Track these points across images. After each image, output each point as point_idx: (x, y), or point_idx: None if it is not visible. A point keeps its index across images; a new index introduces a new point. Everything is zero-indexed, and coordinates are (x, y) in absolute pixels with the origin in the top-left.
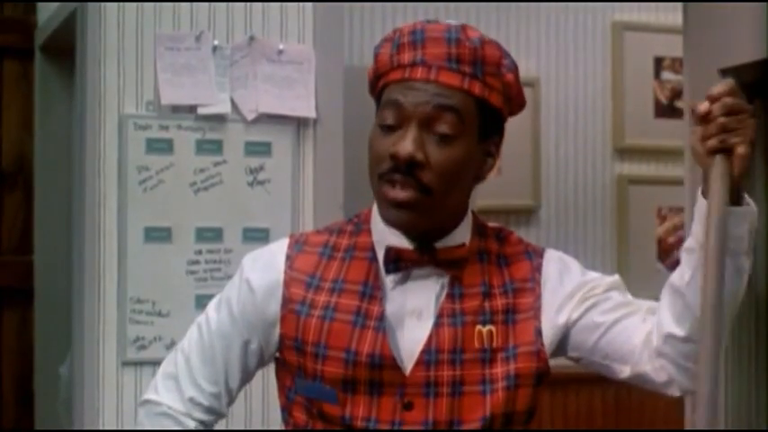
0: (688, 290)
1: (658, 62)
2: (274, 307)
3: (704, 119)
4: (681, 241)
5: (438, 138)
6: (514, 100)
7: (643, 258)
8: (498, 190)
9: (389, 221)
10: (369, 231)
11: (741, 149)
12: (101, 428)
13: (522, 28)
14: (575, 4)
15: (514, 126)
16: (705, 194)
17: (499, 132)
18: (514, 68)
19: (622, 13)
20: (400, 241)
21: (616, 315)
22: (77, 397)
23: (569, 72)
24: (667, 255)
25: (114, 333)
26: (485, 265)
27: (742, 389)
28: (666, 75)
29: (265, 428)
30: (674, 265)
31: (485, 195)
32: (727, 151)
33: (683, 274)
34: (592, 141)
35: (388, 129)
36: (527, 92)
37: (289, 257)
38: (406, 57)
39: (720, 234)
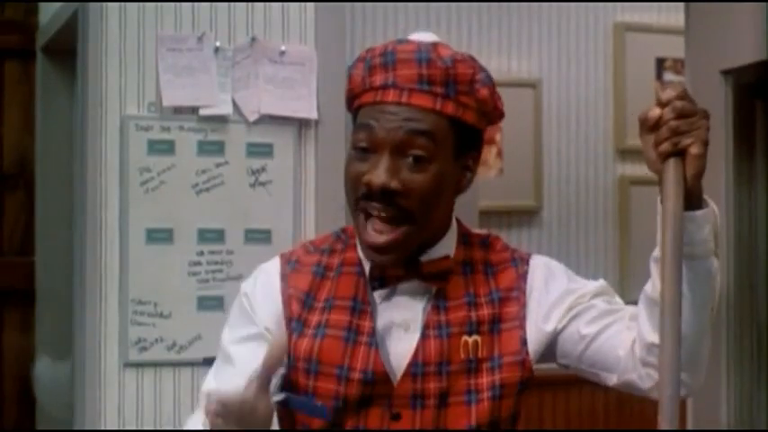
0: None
1: (660, 63)
2: (278, 329)
3: (656, 125)
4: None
5: (412, 161)
6: (491, 114)
7: (645, 259)
8: (500, 191)
9: (371, 260)
10: (354, 246)
11: (695, 150)
12: (102, 429)
13: (524, 29)
14: (576, 5)
15: (516, 127)
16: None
17: (476, 146)
18: (489, 82)
19: (624, 14)
20: None
21: (600, 325)
22: (79, 398)
23: (571, 73)
24: None
25: (116, 334)
26: (469, 275)
27: (744, 389)
28: (668, 76)
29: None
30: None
31: (487, 196)
32: (680, 154)
33: (655, 284)
34: (593, 142)
35: (363, 151)
36: (529, 93)
37: (284, 276)
38: (378, 79)
39: (677, 239)
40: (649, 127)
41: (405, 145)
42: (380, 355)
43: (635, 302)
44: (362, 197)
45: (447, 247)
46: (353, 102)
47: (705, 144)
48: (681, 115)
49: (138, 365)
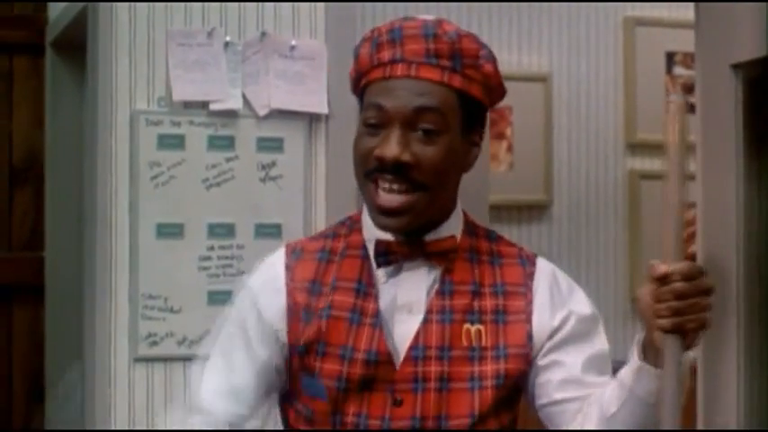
0: (613, 420)
1: (670, 57)
2: (282, 324)
3: (660, 280)
4: (693, 236)
5: (422, 134)
6: (495, 90)
7: (655, 254)
8: (510, 185)
9: (383, 227)
10: (360, 230)
11: (693, 331)
12: (112, 425)
13: (534, 24)
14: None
15: (526, 121)
16: (647, 352)
17: (482, 122)
18: (492, 59)
19: (634, 8)
20: (390, 236)
21: (566, 394)
22: (89, 393)
23: (581, 67)
24: None
25: (126, 329)
26: (475, 263)
27: (754, 388)
28: (678, 70)
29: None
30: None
31: (497, 191)
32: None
33: (610, 405)
34: (604, 137)
35: (373, 127)
36: (539, 87)
37: (288, 267)
38: (386, 55)
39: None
40: (653, 280)
41: (414, 118)
42: (385, 337)
43: None
44: (374, 170)
45: (452, 228)
46: (360, 80)
47: (705, 326)
48: (681, 296)
49: (149, 360)
